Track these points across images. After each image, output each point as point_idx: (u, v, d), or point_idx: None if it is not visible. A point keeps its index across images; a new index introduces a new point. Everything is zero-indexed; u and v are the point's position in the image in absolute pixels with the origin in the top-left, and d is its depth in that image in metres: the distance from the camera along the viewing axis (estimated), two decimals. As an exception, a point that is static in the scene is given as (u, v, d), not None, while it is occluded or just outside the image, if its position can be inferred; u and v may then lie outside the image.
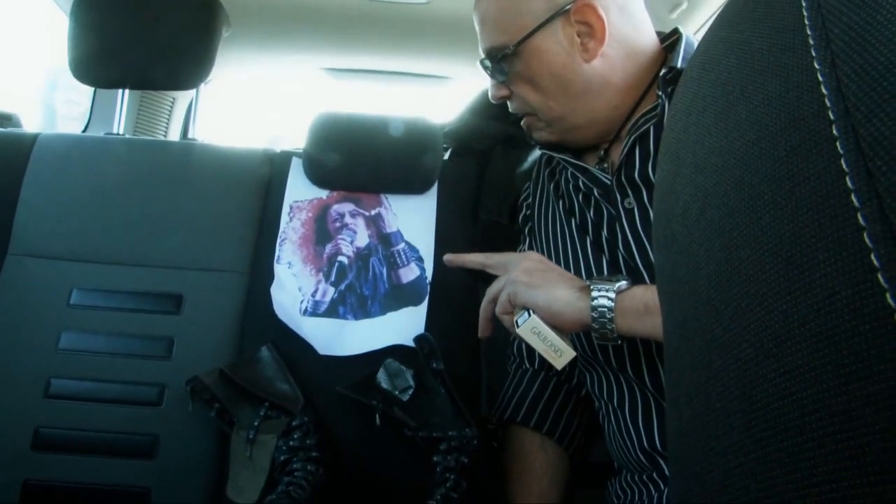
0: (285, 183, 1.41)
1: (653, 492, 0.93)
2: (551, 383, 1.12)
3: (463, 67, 2.08)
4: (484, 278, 1.06)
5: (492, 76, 1.05)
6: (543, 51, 0.98)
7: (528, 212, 1.21)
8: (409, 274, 1.34)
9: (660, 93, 0.95)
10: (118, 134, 1.56)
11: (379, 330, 1.29)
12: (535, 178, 1.21)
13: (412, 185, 1.40)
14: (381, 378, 1.19)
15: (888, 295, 0.20)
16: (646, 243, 0.95)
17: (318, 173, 1.39)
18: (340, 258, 1.34)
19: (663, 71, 0.95)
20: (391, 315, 1.30)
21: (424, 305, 1.31)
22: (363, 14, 1.82)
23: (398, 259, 1.35)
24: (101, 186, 1.35)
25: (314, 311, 1.30)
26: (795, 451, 0.22)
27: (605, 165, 1.04)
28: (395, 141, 1.37)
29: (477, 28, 1.05)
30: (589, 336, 0.92)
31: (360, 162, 1.38)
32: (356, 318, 1.30)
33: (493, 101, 1.09)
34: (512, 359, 1.20)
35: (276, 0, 1.80)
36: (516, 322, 0.91)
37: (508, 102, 1.07)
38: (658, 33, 1.06)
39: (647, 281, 0.93)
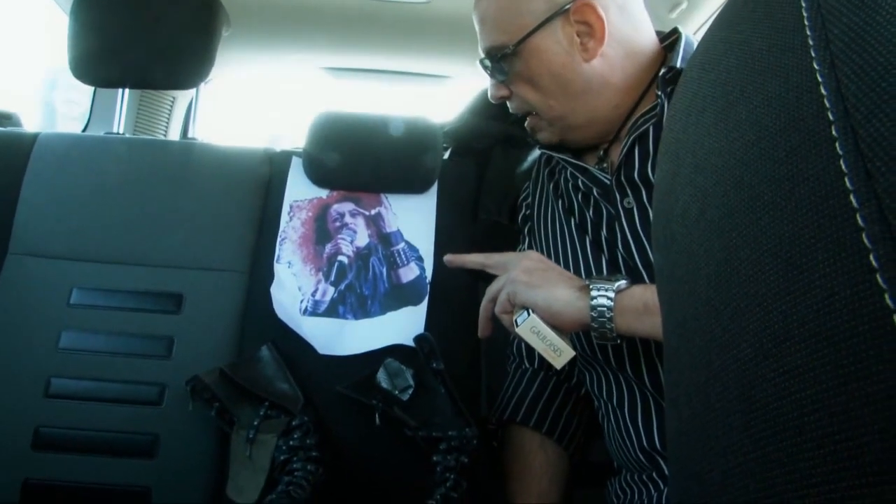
0: (285, 182, 1.41)
1: (652, 491, 0.93)
2: (551, 383, 1.12)
3: (463, 67, 2.08)
4: (484, 278, 1.06)
5: (491, 76, 1.05)
6: (543, 50, 0.98)
7: (528, 211, 1.21)
8: (408, 273, 1.34)
9: (659, 93, 0.95)
10: (118, 133, 1.56)
11: (379, 329, 1.29)
12: (535, 178, 1.21)
13: (412, 184, 1.40)
14: (381, 378, 1.19)
15: (887, 295, 0.20)
16: (645, 243, 0.95)
17: (318, 173, 1.39)
18: (340, 258, 1.34)
19: (663, 71, 0.95)
20: (391, 315, 1.30)
21: (424, 305, 1.31)
22: (363, 13, 1.82)
23: (398, 259, 1.35)
24: (101, 186, 1.35)
25: (314, 311, 1.30)
26: (794, 451, 0.22)
27: (605, 165, 1.04)
28: (395, 140, 1.37)
29: (477, 28, 1.05)
30: (588, 335, 0.93)
31: (360, 161, 1.38)
32: (356, 317, 1.30)
33: (492, 101, 1.09)
34: (512, 358, 1.20)
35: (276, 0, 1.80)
36: (516, 321, 0.91)
37: (508, 102, 1.07)
38: (657, 33, 1.06)
39: (647, 280, 0.93)
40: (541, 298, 0.88)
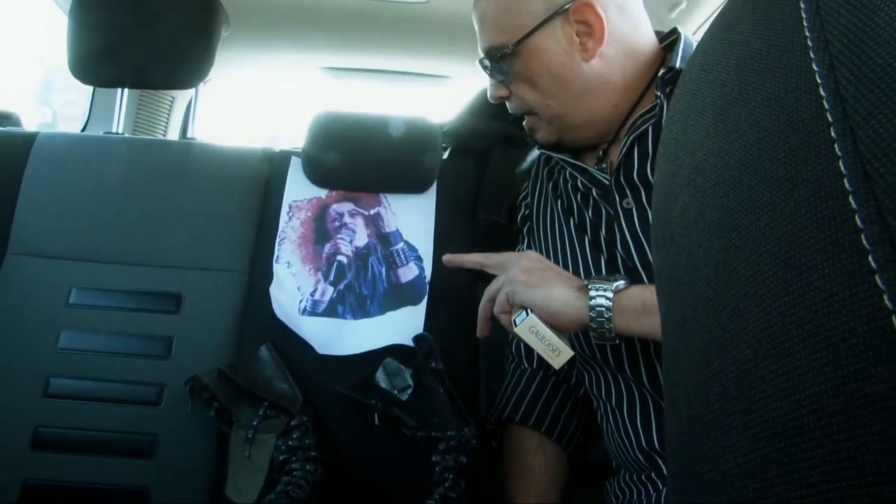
0: (284, 182, 1.40)
1: (651, 491, 0.93)
2: (550, 383, 1.12)
3: (462, 67, 2.08)
4: (483, 277, 1.06)
5: (491, 76, 1.05)
6: (542, 50, 0.98)
7: (527, 211, 1.21)
8: (407, 273, 1.34)
9: (658, 93, 0.95)
10: (117, 133, 1.56)
11: (378, 329, 1.29)
12: (534, 178, 1.21)
13: (411, 184, 1.40)
14: (380, 377, 1.19)
15: (885, 296, 0.20)
16: (644, 244, 0.95)
17: (318, 173, 1.39)
18: (339, 258, 1.34)
19: (662, 71, 0.95)
20: (390, 314, 1.30)
21: (423, 305, 1.31)
22: (362, 13, 1.82)
23: (397, 258, 1.35)
24: (100, 186, 1.34)
25: (313, 311, 1.30)
26: (793, 451, 0.22)
27: (604, 166, 1.04)
28: (395, 140, 1.37)
29: (476, 27, 1.05)
30: (587, 335, 0.93)
31: (359, 161, 1.38)
32: (355, 317, 1.30)
33: (492, 101, 1.09)
34: (510, 358, 1.20)
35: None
36: (514, 321, 0.91)
37: (507, 103, 1.07)
38: (657, 33, 1.06)
39: (646, 281, 0.93)
40: (539, 298, 0.88)
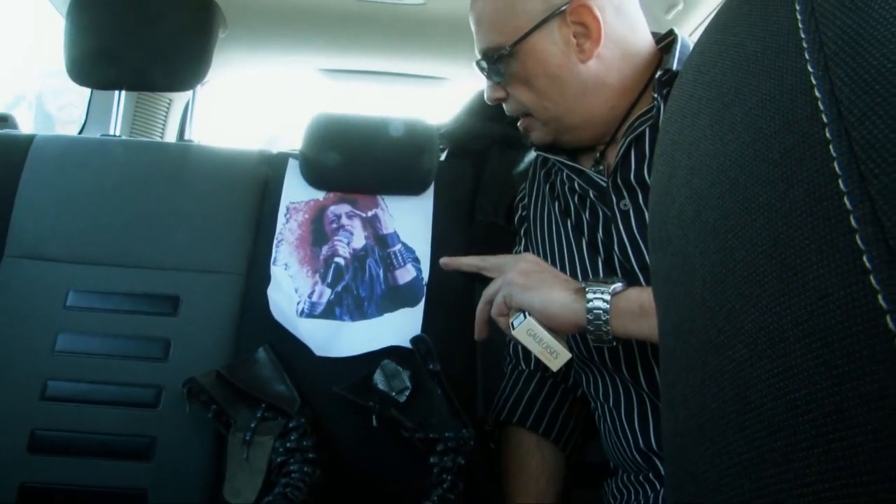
0: (282, 184, 1.41)
1: (649, 492, 0.93)
2: (547, 384, 1.12)
3: (459, 68, 2.08)
4: (480, 279, 1.06)
5: (488, 77, 1.05)
6: (539, 51, 0.98)
7: (524, 213, 1.21)
8: (405, 275, 1.34)
9: (655, 95, 0.95)
10: (115, 136, 1.56)
11: (375, 331, 1.29)
12: (531, 179, 1.21)
13: (409, 186, 1.40)
14: (378, 379, 1.19)
15: (880, 296, 0.20)
16: (641, 245, 0.96)
17: (315, 174, 1.40)
18: (337, 259, 1.34)
19: (659, 73, 0.95)
20: (388, 316, 1.30)
21: (421, 306, 1.31)
22: (359, 15, 1.82)
23: (395, 260, 1.35)
24: (97, 188, 1.34)
25: (311, 313, 1.30)
26: (789, 451, 0.22)
27: (601, 167, 1.04)
28: (392, 142, 1.37)
29: (473, 29, 1.05)
30: (584, 337, 0.93)
31: (356, 163, 1.38)
32: (353, 319, 1.30)
33: (489, 103, 1.09)
34: (508, 360, 1.20)
35: (273, 1, 1.80)
36: (512, 324, 0.91)
37: (504, 104, 1.07)
38: (653, 34, 1.06)
39: (643, 282, 0.93)
40: (537, 301, 0.89)
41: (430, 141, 1.40)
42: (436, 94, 2.31)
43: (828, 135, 0.22)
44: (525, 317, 0.89)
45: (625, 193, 0.98)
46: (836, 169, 0.22)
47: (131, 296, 1.28)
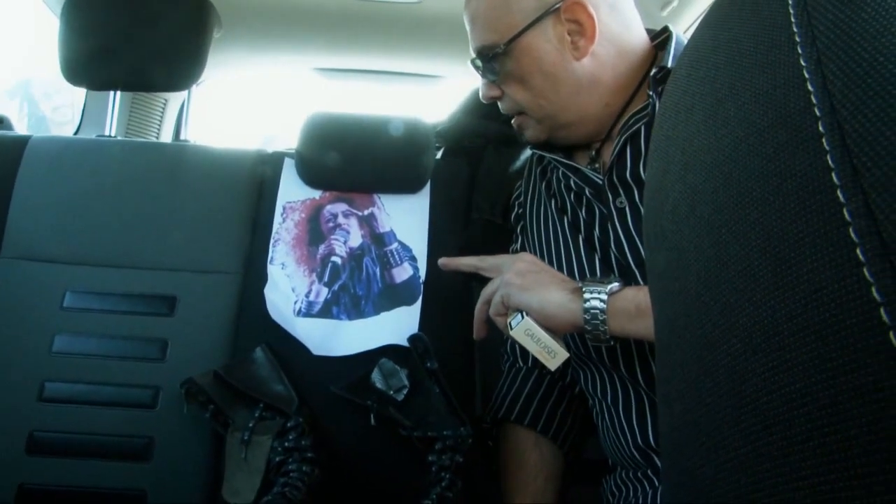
0: (278, 184, 1.40)
1: (647, 488, 0.93)
2: (545, 381, 1.12)
3: (455, 66, 2.08)
4: (477, 278, 1.06)
5: (483, 75, 1.05)
6: (534, 49, 0.98)
7: (521, 210, 1.21)
8: (402, 273, 1.34)
9: (650, 92, 0.95)
10: (110, 136, 1.56)
11: (373, 330, 1.29)
12: (528, 177, 1.21)
13: (405, 184, 1.40)
14: (376, 378, 1.19)
15: (874, 289, 0.20)
16: (638, 242, 0.96)
17: (311, 173, 1.39)
18: (334, 258, 1.34)
19: (654, 70, 0.95)
20: (385, 315, 1.30)
21: (418, 305, 1.31)
22: (354, 14, 1.82)
23: (391, 259, 1.35)
24: (93, 189, 1.34)
25: (308, 312, 1.30)
26: (784, 444, 0.22)
27: (597, 165, 1.04)
28: (388, 140, 1.37)
29: (467, 27, 1.05)
30: (582, 335, 0.93)
31: (352, 162, 1.38)
32: (350, 318, 1.30)
33: (484, 101, 1.09)
34: (506, 357, 1.20)
35: (268, 0, 1.80)
36: (510, 324, 0.91)
37: (499, 103, 1.07)
38: (648, 31, 1.06)
39: (640, 280, 0.93)
40: (534, 301, 0.89)
41: (427, 139, 1.40)
42: (431, 92, 2.31)
43: (821, 128, 0.22)
44: (523, 317, 0.90)
45: (621, 191, 0.98)
46: (829, 162, 0.22)
47: (128, 296, 1.28)
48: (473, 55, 1.05)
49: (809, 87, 0.23)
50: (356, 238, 1.36)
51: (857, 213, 0.21)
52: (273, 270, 1.32)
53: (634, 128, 0.97)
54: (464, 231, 1.40)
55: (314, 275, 1.33)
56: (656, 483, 0.92)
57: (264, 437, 1.13)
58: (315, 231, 1.37)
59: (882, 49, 0.22)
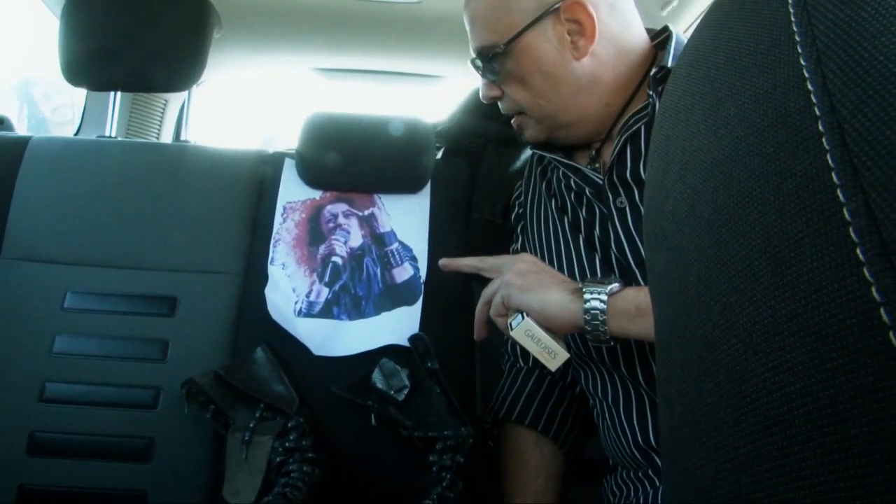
0: (278, 184, 1.40)
1: (648, 488, 0.93)
2: (546, 381, 1.12)
3: (455, 66, 2.08)
4: (477, 278, 1.06)
5: (483, 75, 1.05)
6: (534, 49, 0.98)
7: (521, 210, 1.21)
8: (402, 273, 1.34)
9: (651, 92, 0.95)
10: (110, 137, 1.56)
11: (373, 330, 1.29)
12: (528, 177, 1.21)
13: (405, 184, 1.40)
14: (377, 378, 1.19)
15: (874, 289, 0.20)
16: (638, 242, 0.96)
17: (311, 174, 1.39)
18: (334, 258, 1.34)
19: (654, 70, 0.95)
20: (385, 315, 1.30)
21: (419, 305, 1.31)
22: (354, 14, 1.82)
23: (392, 259, 1.35)
24: (94, 189, 1.34)
25: (308, 312, 1.30)
26: (784, 444, 0.22)
27: (597, 165, 1.04)
28: (388, 140, 1.37)
29: (467, 27, 1.05)
30: (583, 336, 0.93)
31: (352, 162, 1.38)
32: (350, 318, 1.30)
33: (484, 101, 1.09)
34: (506, 357, 1.20)
35: (268, 1, 1.80)
36: (510, 324, 0.91)
37: (499, 103, 1.07)
38: (648, 31, 1.06)
39: (640, 280, 0.93)
40: (535, 302, 0.89)
41: (427, 139, 1.40)
42: (431, 92, 2.31)
43: (821, 128, 0.22)
44: (523, 317, 0.90)
45: (621, 191, 0.98)
46: (829, 162, 0.22)
47: (129, 297, 1.28)
48: (473, 55, 1.05)
49: (809, 87, 0.23)
50: (357, 238, 1.36)
51: (857, 212, 0.20)
52: (273, 271, 1.32)
53: (634, 128, 0.97)
54: (464, 231, 1.40)
55: (315, 275, 1.33)
56: (657, 483, 0.92)
57: (265, 437, 1.13)
58: (315, 231, 1.37)
59: (882, 48, 0.22)
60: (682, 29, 1.59)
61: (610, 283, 0.86)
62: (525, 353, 1.15)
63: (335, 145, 1.38)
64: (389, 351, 1.24)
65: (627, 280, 0.90)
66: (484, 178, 1.44)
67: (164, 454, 1.20)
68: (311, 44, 2.05)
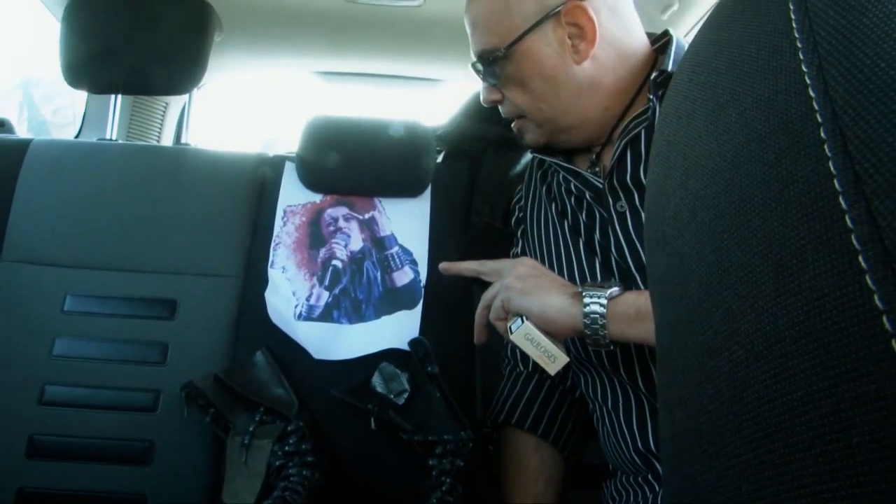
0: (279, 187, 1.40)
1: (647, 493, 0.93)
2: (546, 386, 1.12)
3: (455, 70, 2.09)
4: (478, 281, 1.06)
5: (483, 79, 1.05)
6: (534, 52, 0.98)
7: (521, 214, 1.21)
8: (403, 277, 1.34)
9: (651, 96, 0.95)
10: (111, 139, 1.56)
11: (373, 334, 1.28)
12: (528, 181, 1.21)
13: (406, 188, 1.40)
14: (377, 382, 1.19)
15: (876, 297, 0.20)
16: (638, 246, 0.96)
17: (312, 177, 1.39)
18: (335, 262, 1.34)
19: (654, 74, 0.95)
20: (385, 319, 1.30)
21: (419, 309, 1.31)
22: (355, 17, 1.82)
23: (392, 262, 1.35)
24: (94, 192, 1.34)
25: (308, 316, 1.30)
26: (786, 452, 0.22)
27: (597, 169, 1.04)
28: (389, 144, 1.37)
29: (468, 31, 1.05)
30: (583, 340, 0.93)
31: (353, 165, 1.38)
32: (350, 322, 1.30)
33: (485, 105, 1.09)
34: (506, 361, 1.20)
35: (268, 4, 1.80)
36: (510, 328, 0.91)
37: (500, 106, 1.07)
38: (648, 35, 1.06)
39: (640, 284, 0.93)
40: (535, 306, 0.89)
41: (427, 143, 1.40)
42: (432, 95, 2.31)
43: (822, 134, 0.22)
44: (523, 321, 0.89)
45: (621, 195, 0.98)
46: (831, 169, 0.22)
47: (129, 300, 1.28)
48: (474, 59, 1.05)
49: (811, 93, 0.23)
50: (357, 242, 1.36)
51: (859, 220, 0.20)
52: (274, 274, 1.32)
53: (635, 131, 0.97)
54: (464, 235, 1.40)
55: (315, 278, 1.33)
56: (656, 488, 0.92)
57: (265, 440, 1.13)
58: (316, 235, 1.37)
59: (884, 55, 0.21)
60: (683, 33, 1.59)
61: (610, 286, 0.86)
62: (525, 356, 1.15)
63: (335, 149, 1.38)
64: (389, 355, 1.24)
65: (627, 284, 0.90)
66: (484, 181, 1.44)
67: (164, 457, 1.20)
68: (311, 47, 2.05)
